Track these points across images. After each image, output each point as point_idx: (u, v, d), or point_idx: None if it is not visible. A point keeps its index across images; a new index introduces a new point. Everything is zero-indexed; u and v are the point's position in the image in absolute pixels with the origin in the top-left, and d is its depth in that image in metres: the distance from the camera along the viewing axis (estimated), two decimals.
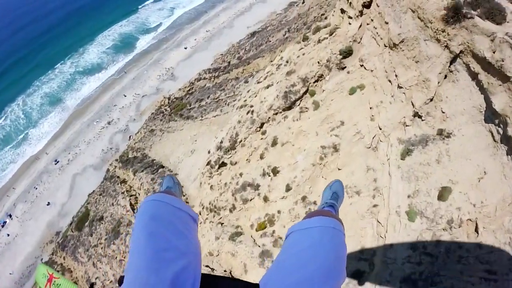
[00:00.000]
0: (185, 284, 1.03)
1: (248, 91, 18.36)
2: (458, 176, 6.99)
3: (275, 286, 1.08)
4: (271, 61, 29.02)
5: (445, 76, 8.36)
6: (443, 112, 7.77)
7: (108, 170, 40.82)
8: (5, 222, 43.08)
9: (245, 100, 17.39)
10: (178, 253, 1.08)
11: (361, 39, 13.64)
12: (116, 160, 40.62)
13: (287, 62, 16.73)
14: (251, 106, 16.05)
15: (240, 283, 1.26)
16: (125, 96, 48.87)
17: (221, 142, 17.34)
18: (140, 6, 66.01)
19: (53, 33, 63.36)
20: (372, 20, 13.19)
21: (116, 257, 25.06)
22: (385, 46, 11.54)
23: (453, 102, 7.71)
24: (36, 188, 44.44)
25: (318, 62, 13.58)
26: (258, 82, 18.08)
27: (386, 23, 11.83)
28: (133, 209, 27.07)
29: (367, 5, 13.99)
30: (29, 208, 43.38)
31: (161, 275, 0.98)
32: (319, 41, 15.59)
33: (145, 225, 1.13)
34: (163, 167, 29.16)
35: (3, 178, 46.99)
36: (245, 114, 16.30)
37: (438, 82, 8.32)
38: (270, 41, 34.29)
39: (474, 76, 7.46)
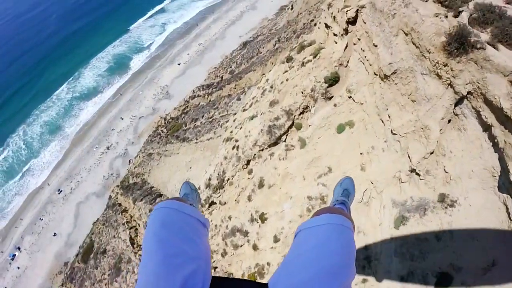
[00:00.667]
0: None
1: (234, 120, 17.08)
2: (461, 261, 5.51)
3: (282, 286, 1.06)
4: (263, 74, 27.69)
5: (449, 121, 6.78)
6: (447, 172, 6.26)
7: (110, 197, 40.25)
8: (14, 255, 43.14)
9: (231, 132, 16.12)
10: (186, 258, 1.08)
11: (348, 62, 12.15)
12: (118, 186, 40.01)
13: (271, 87, 15.37)
14: (236, 141, 14.77)
15: (250, 284, 1.25)
16: (122, 119, 48.24)
17: (210, 179, 16.12)
18: (131, 26, 65.54)
19: (48, 60, 63.47)
20: (359, 39, 11.66)
21: None
22: (375, 74, 10.05)
23: (459, 159, 6.19)
24: (42, 219, 44.32)
25: (302, 92, 12.18)
26: (244, 110, 16.79)
27: (375, 45, 10.27)
28: (132, 244, 26.16)
29: (352, 21, 12.47)
30: (37, 239, 43.31)
31: (170, 280, 0.99)
32: (303, 64, 14.18)
33: (155, 233, 1.13)
34: (161, 195, 28.19)
35: (11, 211, 47.21)
36: (230, 149, 15.03)
37: (440, 130, 6.78)
38: (261, 53, 32.98)
39: (486, 127, 5.86)
